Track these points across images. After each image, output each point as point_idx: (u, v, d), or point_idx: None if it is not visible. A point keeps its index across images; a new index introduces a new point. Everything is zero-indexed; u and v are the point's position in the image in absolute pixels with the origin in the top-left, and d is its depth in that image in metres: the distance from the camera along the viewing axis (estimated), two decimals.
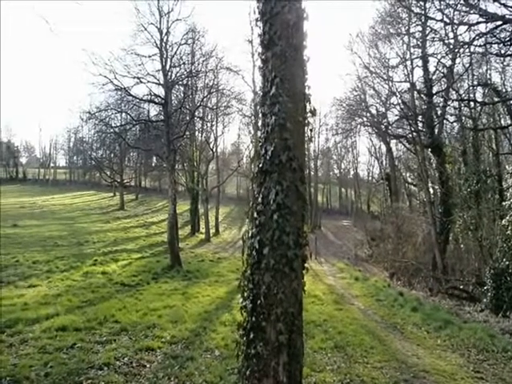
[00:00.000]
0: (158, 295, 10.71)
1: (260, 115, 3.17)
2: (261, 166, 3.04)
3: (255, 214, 3.09)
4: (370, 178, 52.57)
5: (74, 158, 70.97)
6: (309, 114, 3.12)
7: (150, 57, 17.55)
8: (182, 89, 22.73)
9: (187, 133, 23.49)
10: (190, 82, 22.66)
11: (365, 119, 30.78)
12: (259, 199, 3.06)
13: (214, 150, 32.39)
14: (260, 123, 3.23)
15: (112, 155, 44.31)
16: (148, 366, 5.80)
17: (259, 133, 3.23)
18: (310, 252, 3.18)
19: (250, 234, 3.16)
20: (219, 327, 8.06)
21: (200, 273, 15.70)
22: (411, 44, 21.33)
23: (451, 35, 17.28)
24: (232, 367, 5.79)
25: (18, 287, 10.13)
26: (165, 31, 17.41)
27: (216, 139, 33.34)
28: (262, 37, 3.06)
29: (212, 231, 31.20)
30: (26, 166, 76.98)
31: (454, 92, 21.46)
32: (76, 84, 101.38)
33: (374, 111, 29.51)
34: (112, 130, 22.62)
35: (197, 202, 32.02)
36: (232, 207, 51.15)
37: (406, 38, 21.71)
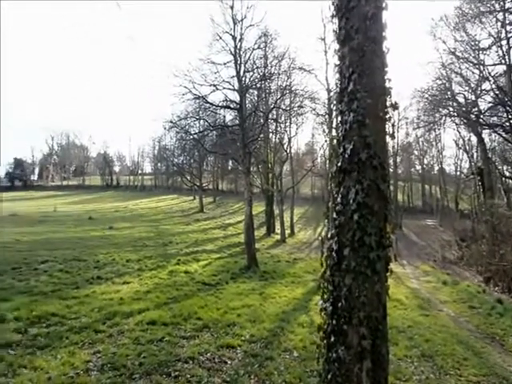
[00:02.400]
0: (236, 294, 11.02)
1: (334, 113, 3.09)
2: (339, 165, 2.96)
3: (334, 215, 3.01)
4: (458, 173, 47.85)
5: (158, 164, 76.88)
6: (389, 109, 2.95)
7: (225, 64, 18.20)
8: (255, 92, 23.20)
9: (261, 135, 23.89)
10: (263, 86, 23.02)
11: (451, 109, 28.16)
12: (338, 199, 2.98)
13: (288, 150, 32.48)
14: (337, 121, 3.14)
15: (192, 160, 46.91)
16: (229, 362, 6.01)
17: (335, 131, 3.14)
18: (394, 254, 3.00)
19: (329, 235, 3.09)
20: (297, 328, 8.05)
21: (276, 273, 15.82)
22: (507, 21, 19.09)
23: None
24: (311, 369, 5.75)
25: (115, 283, 11.18)
26: (238, 38, 17.94)
27: (290, 140, 33.40)
28: (338, 32, 2.98)
29: (287, 232, 31.24)
30: (119, 174, 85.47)
31: None
32: (159, 96, 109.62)
33: (461, 100, 26.86)
34: (191, 137, 23.95)
35: (272, 203, 32.35)
36: (307, 208, 50.70)
37: (500, 15, 19.47)
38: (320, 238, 32.41)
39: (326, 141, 31.08)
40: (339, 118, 3.03)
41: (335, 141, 3.07)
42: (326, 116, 26.19)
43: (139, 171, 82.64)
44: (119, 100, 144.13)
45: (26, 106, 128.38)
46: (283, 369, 5.82)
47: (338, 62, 3.05)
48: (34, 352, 5.64)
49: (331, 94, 24.00)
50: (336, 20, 3.03)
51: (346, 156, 2.89)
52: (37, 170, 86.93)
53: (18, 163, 79.96)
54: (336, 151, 3.04)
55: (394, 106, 2.95)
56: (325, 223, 3.25)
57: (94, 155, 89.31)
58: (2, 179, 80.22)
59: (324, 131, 34.57)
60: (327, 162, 34.02)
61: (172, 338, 6.75)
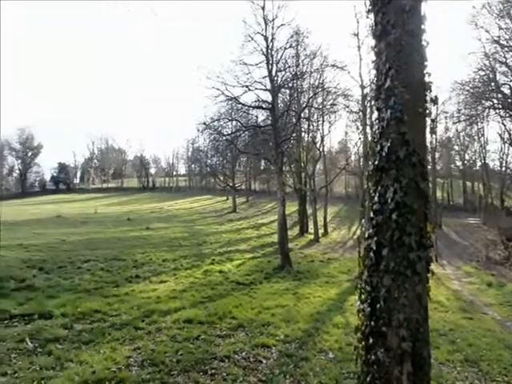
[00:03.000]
0: (270, 294, 11.05)
1: (368, 110, 3.01)
2: (376, 163, 2.89)
3: (371, 214, 2.94)
4: (504, 169, 45.16)
5: (192, 166, 78.48)
6: (429, 104, 2.84)
7: (256, 65, 18.27)
8: (287, 92, 23.11)
9: (294, 134, 23.77)
10: (295, 85, 22.89)
11: (495, 101, 26.74)
12: (375, 198, 2.91)
13: (321, 149, 32.10)
14: (372, 119, 3.07)
15: (224, 161, 47.50)
16: (264, 361, 6.03)
17: (369, 129, 3.07)
18: (434, 254, 2.90)
19: (366, 235, 3.03)
20: (332, 329, 7.96)
21: (310, 273, 15.70)
22: None
23: None
24: (347, 371, 5.66)
25: (152, 282, 11.55)
26: (270, 38, 17.96)
27: (322, 138, 33.01)
28: (374, 28, 2.91)
29: (321, 231, 30.89)
30: (155, 176, 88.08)
31: None
32: (193, 99, 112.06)
33: (507, 91, 25.46)
34: (224, 138, 24.24)
35: (305, 203, 32.11)
36: (340, 207, 49.86)
37: None
38: (355, 238, 31.84)
39: (359, 138, 30.42)
40: (376, 116, 2.96)
41: (372, 139, 3.00)
42: (360, 113, 25.61)
43: (174, 173, 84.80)
44: (155, 104, 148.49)
45: (71, 113, 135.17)
46: (319, 370, 5.76)
47: (374, 58, 2.98)
48: (80, 347, 5.93)
49: (365, 90, 23.48)
50: (372, 15, 2.96)
51: (384, 154, 2.81)
52: (79, 174, 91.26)
53: (62, 167, 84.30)
54: (373, 149, 2.97)
55: (434, 101, 2.85)
56: (362, 223, 3.19)
57: (131, 158, 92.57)
58: (48, 183, 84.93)
59: (358, 128, 33.89)
60: (361, 160, 33.32)
61: (208, 337, 6.87)
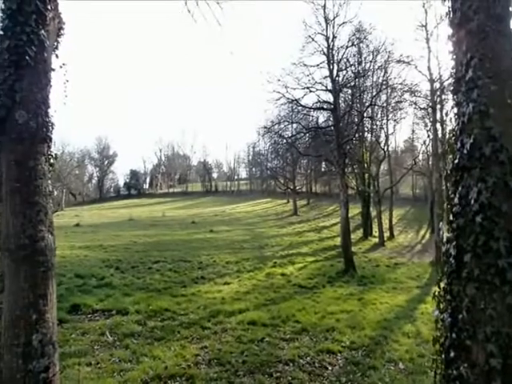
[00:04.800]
0: (334, 299, 10.78)
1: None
2: (456, 161, 2.65)
3: (451, 217, 2.72)
4: None
5: (253, 169, 79.70)
6: None
7: (317, 65, 18.02)
8: (349, 91, 22.48)
9: (356, 135, 23.06)
10: (357, 83, 22.20)
11: None
12: (455, 200, 2.67)
13: (386, 149, 30.70)
14: (447, 113, 2.84)
15: (285, 164, 47.53)
16: (329, 368, 5.88)
17: (439, 125, 2.84)
18: None
19: (444, 239, 2.80)
20: (401, 338, 7.54)
21: (375, 278, 15.07)
22: None
23: None
24: None
25: (217, 284, 11.88)
26: (331, 37, 17.58)
27: (387, 138, 31.53)
28: (452, 15, 2.69)
29: (386, 235, 29.48)
30: (217, 180, 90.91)
31: None
32: (254, 104, 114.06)
33: None
34: (285, 141, 24.25)
35: (368, 205, 30.93)
36: (407, 209, 47.21)
37: None
38: (424, 242, 29.89)
39: (428, 136, 28.52)
40: (455, 111, 2.73)
41: (450, 136, 2.77)
42: (429, 109, 24.02)
43: (235, 177, 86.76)
44: (217, 110, 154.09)
45: (142, 121, 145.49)
46: (388, 381, 5.48)
47: (451, 49, 2.76)
48: (152, 342, 6.29)
49: (435, 84, 21.98)
50: (448, 2, 2.75)
51: (465, 152, 2.58)
52: (148, 179, 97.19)
53: (134, 174, 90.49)
54: (451, 147, 2.74)
55: None
56: (439, 226, 2.96)
57: (195, 163, 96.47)
58: (121, 188, 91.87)
59: (426, 126, 31.85)
60: (430, 159, 31.24)
61: (272, 339, 6.88)
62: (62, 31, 3.86)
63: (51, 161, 3.56)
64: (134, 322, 7.25)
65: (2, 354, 3.16)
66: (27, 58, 3.29)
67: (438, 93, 22.30)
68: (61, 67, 3.83)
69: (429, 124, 27.90)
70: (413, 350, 6.81)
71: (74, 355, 5.50)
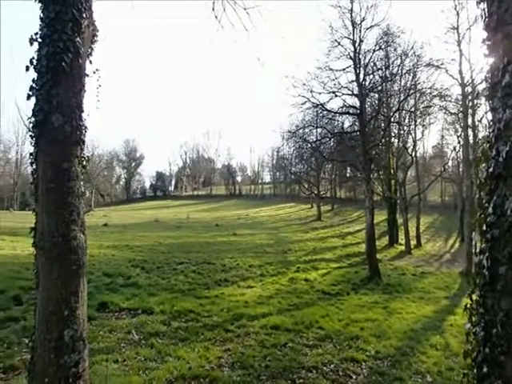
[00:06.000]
0: (358, 307, 10.61)
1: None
2: (491, 170, 2.55)
3: (484, 227, 2.62)
4: None
5: (277, 173, 79.68)
6: None
7: (343, 70, 17.83)
8: (376, 96, 22.12)
9: (383, 140, 22.63)
10: (384, 88, 21.82)
11: None
12: (490, 209, 2.57)
13: (413, 155, 29.95)
14: (479, 119, 2.74)
15: (309, 169, 47.21)
16: (354, 377, 5.78)
17: (471, 131, 2.75)
18: None
19: (477, 249, 2.70)
20: (429, 350, 7.33)
21: (401, 287, 14.72)
22: None
23: None
24: None
25: (240, 287, 11.91)
26: (358, 41, 17.36)
27: (415, 143, 30.71)
28: (488, 19, 2.61)
29: (412, 243, 28.72)
30: (241, 184, 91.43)
31: None
32: (278, 108, 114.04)
33: None
34: (309, 145, 24.10)
35: (395, 212, 30.25)
36: (435, 216, 45.85)
37: None
38: (453, 251, 28.90)
39: (459, 142, 27.60)
40: (490, 117, 2.63)
41: (485, 142, 2.68)
42: (460, 114, 23.28)
43: (259, 180, 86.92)
44: (242, 114, 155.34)
45: (168, 124, 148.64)
46: None
47: (486, 52, 2.67)
48: (177, 343, 6.38)
49: (466, 88, 21.27)
50: (484, 5, 2.66)
51: (501, 159, 2.48)
52: (173, 182, 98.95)
53: (159, 176, 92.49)
54: (486, 154, 2.65)
55: None
56: (472, 236, 2.86)
57: (219, 167, 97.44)
58: (148, 190, 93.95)
59: (456, 131, 30.86)
60: (461, 165, 30.22)
61: (295, 345, 6.83)
62: (95, 38, 4.02)
63: (84, 163, 3.71)
64: (158, 322, 7.38)
65: (36, 348, 3.30)
66: (64, 64, 3.45)
67: (470, 97, 21.56)
68: (94, 73, 3.98)
69: (459, 130, 27.02)
70: (441, 362, 6.61)
71: (101, 352, 5.65)
